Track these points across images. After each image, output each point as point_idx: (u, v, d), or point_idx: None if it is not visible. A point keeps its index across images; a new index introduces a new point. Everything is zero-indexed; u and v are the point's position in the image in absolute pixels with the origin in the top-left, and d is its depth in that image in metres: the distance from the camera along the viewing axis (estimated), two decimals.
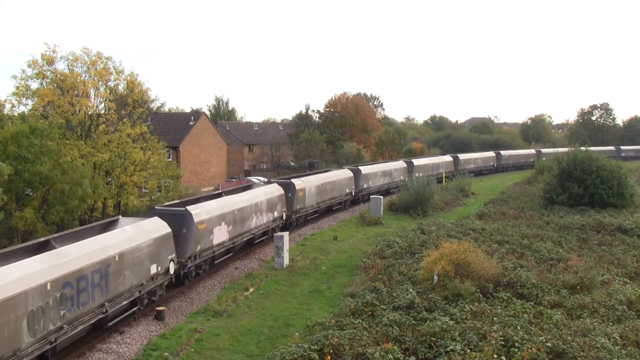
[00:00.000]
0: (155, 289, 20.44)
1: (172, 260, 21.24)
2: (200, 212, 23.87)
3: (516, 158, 79.80)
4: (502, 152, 76.82)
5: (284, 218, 33.23)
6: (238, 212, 26.99)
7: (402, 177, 52.33)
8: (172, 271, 21.20)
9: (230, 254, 27.28)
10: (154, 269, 19.94)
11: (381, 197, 42.71)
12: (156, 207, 24.43)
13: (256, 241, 29.72)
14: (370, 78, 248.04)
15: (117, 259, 17.58)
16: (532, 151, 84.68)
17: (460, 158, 66.16)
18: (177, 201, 26.41)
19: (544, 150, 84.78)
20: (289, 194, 33.78)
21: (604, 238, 28.50)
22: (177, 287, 22.53)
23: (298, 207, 34.82)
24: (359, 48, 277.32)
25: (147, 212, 26.43)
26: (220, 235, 25.26)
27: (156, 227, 20.79)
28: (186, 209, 23.20)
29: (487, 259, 21.23)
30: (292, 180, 34.87)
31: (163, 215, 22.32)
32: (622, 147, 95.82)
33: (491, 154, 75.25)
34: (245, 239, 28.17)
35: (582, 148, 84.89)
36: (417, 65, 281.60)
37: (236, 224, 26.71)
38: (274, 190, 32.43)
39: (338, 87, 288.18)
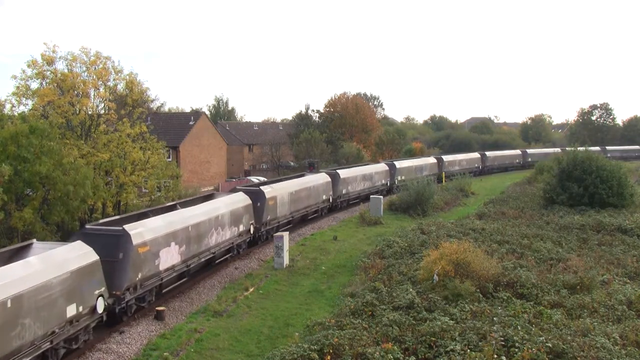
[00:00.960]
0: (78, 334, 16.28)
1: (100, 295, 17.04)
2: (141, 231, 19.60)
3: (501, 159, 77.27)
4: (487, 154, 74.31)
5: (252, 231, 29.10)
6: (193, 229, 22.75)
7: (383, 181, 49.91)
8: (100, 309, 17.02)
9: (185, 279, 22.97)
10: (72, 310, 15.66)
11: (381, 197, 42.70)
12: (86, 226, 20.14)
13: (217, 261, 25.90)
14: (370, 78, 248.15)
15: (8, 305, 13.34)
16: (518, 152, 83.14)
17: (445, 160, 63.57)
18: (116, 217, 22.01)
19: (529, 151, 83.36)
20: (258, 204, 29.73)
21: (604, 238, 28.52)
22: (113, 326, 18.51)
23: (268, 218, 30.80)
24: (359, 48, 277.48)
25: (75, 233, 20.84)
26: (170, 258, 21.08)
27: (77, 255, 16.40)
28: (123, 229, 18.93)
29: (487, 259, 21.24)
30: (262, 187, 31.01)
31: (92, 236, 18.24)
32: (608, 148, 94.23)
33: (476, 155, 72.78)
34: (203, 260, 23.94)
35: (567, 149, 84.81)
36: (417, 65, 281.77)
37: (191, 242, 22.60)
38: (240, 200, 28.34)
39: (338, 87, 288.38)
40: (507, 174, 75.07)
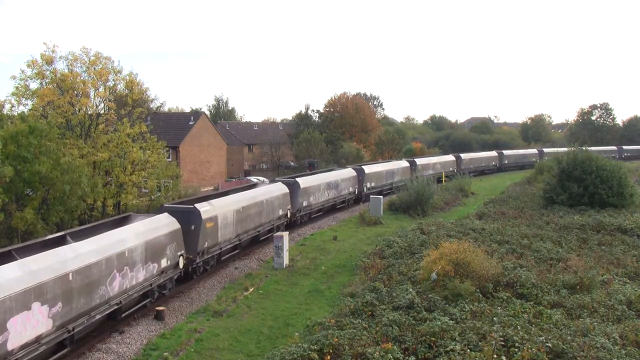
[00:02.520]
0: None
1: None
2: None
3: (477, 162, 71.85)
4: (462, 156, 69.11)
5: (182, 265, 22.24)
6: (78, 276, 15.98)
7: (351, 189, 44.38)
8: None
9: (66, 350, 16.14)
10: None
11: (381, 197, 42.65)
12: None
13: (124, 314, 18.91)
14: (370, 78, 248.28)
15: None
16: (494, 154, 78.25)
17: (418, 163, 57.93)
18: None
19: (505, 153, 79.78)
20: (192, 227, 23.22)
21: (604, 238, 28.49)
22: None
23: (206, 245, 24.03)
24: (359, 48, 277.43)
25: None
26: (30, 329, 14.28)
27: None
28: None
29: (487, 259, 21.23)
30: (197, 205, 24.07)
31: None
32: (590, 149, 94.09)
33: (451, 157, 67.14)
34: (97, 317, 17.12)
35: (550, 149, 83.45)
36: (417, 65, 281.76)
37: (77, 296, 15.92)
38: (161, 225, 21.12)
39: (338, 87, 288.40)
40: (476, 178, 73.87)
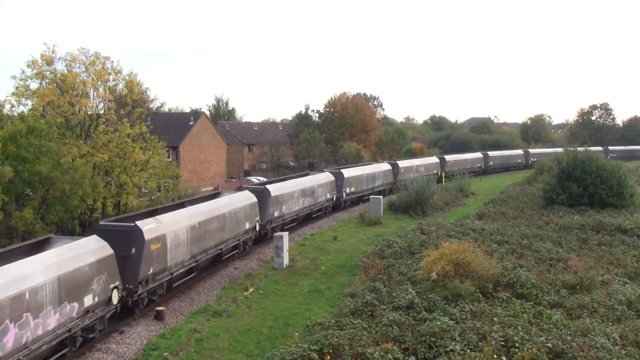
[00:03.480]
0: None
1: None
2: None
3: (462, 164, 68.06)
4: (447, 158, 66.35)
5: (116, 300, 17.76)
6: None
7: (328, 195, 40.35)
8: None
9: None
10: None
11: (381, 197, 42.65)
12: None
13: None
14: (370, 78, 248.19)
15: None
16: (479, 155, 75.22)
17: (400, 166, 54.13)
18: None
19: (491, 154, 76.80)
20: (132, 250, 18.81)
21: (604, 238, 28.50)
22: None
23: (151, 271, 19.50)
24: (359, 48, 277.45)
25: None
26: None
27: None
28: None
29: (487, 259, 21.23)
30: (139, 223, 19.37)
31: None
32: (579, 149, 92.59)
33: (435, 160, 63.84)
34: None
35: (535, 150, 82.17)
36: (417, 65, 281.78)
37: None
38: (84, 253, 16.55)
39: (338, 87, 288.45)
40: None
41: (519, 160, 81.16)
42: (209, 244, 24.27)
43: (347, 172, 43.94)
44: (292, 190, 34.39)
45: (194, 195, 36.22)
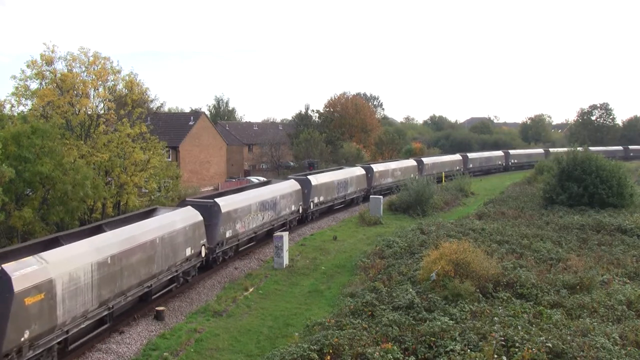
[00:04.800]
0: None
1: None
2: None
3: (440, 166, 63.73)
4: (425, 160, 61.33)
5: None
6: None
7: (293, 207, 34.85)
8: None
9: None
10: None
11: (381, 197, 42.61)
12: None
13: None
14: (370, 78, 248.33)
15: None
16: (458, 157, 70.36)
17: (375, 170, 49.11)
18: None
19: (470, 156, 72.68)
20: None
21: (604, 238, 28.49)
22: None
23: (25, 336, 13.69)
24: (359, 48, 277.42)
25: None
26: None
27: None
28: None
29: (487, 259, 21.23)
30: (7, 268, 13.46)
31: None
32: (551, 150, 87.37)
33: (412, 163, 58.90)
34: None
35: (517, 152, 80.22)
36: (417, 65, 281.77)
37: None
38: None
39: (338, 87, 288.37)
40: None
41: (499, 162, 78.06)
42: (130, 282, 18.40)
43: (315, 179, 38.33)
44: (248, 204, 28.52)
45: (127, 213, 28.31)
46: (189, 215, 23.10)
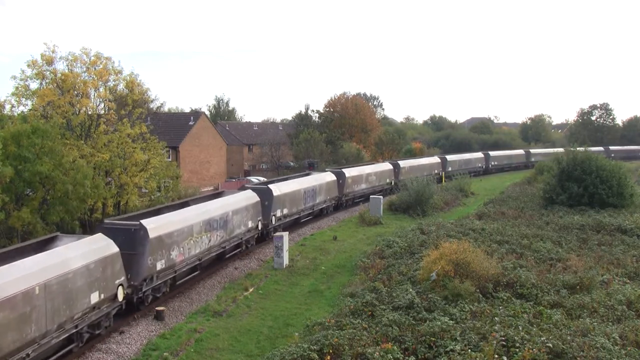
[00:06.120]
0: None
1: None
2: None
3: (418, 170, 58.28)
4: (401, 164, 56.23)
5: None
6: None
7: (250, 224, 28.62)
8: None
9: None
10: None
11: (381, 197, 42.59)
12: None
13: None
14: (370, 78, 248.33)
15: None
16: (436, 160, 66.85)
17: (347, 175, 44.08)
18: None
19: (449, 158, 69.17)
20: None
21: (604, 238, 28.50)
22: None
23: None
24: (359, 48, 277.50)
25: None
26: None
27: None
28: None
29: (487, 259, 21.23)
30: None
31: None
32: (532, 151, 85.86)
33: (388, 166, 54.05)
34: None
35: (489, 153, 78.08)
36: (417, 65, 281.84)
37: None
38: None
39: (338, 87, 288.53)
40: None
41: (479, 165, 74.84)
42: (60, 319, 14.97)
43: (278, 188, 32.66)
44: (189, 224, 22.61)
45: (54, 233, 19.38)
46: (98, 247, 17.30)
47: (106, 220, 20.84)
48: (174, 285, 22.29)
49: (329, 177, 41.59)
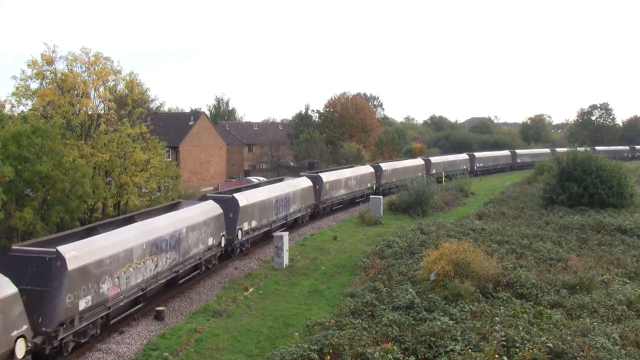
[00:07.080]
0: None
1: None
2: None
3: (401, 173, 54.34)
4: (383, 166, 52.04)
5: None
6: None
7: (211, 241, 24.68)
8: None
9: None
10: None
11: (381, 197, 42.58)
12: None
13: None
14: (370, 78, 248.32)
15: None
16: (420, 162, 62.74)
17: (324, 180, 39.93)
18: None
19: (433, 160, 65.70)
20: None
21: (604, 238, 28.50)
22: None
23: None
24: (359, 48, 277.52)
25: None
26: None
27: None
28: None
29: (487, 259, 21.23)
30: None
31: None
32: (518, 152, 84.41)
33: (369, 169, 49.80)
34: None
35: (474, 154, 77.07)
36: (417, 65, 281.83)
37: None
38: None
39: (338, 87, 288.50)
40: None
41: (464, 167, 71.09)
42: None
43: (245, 198, 28.57)
44: (127, 247, 18.44)
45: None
46: None
47: (14, 247, 16.42)
48: (106, 325, 17.90)
49: (304, 182, 37.33)
